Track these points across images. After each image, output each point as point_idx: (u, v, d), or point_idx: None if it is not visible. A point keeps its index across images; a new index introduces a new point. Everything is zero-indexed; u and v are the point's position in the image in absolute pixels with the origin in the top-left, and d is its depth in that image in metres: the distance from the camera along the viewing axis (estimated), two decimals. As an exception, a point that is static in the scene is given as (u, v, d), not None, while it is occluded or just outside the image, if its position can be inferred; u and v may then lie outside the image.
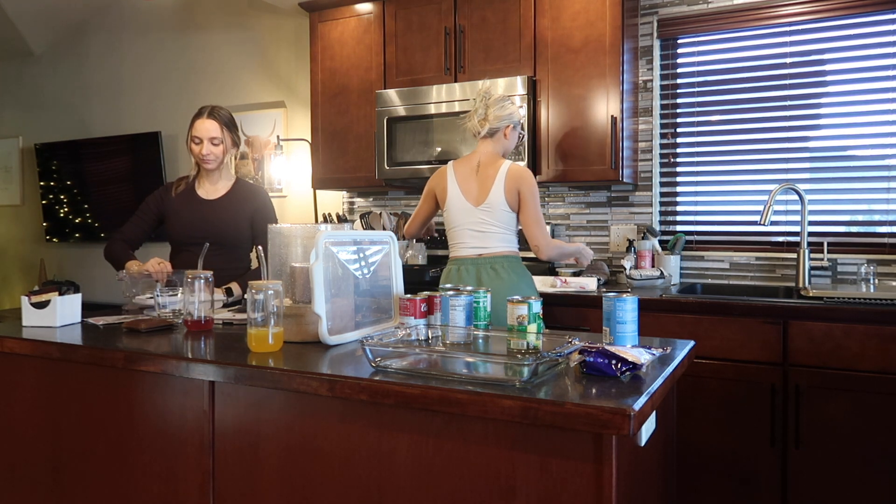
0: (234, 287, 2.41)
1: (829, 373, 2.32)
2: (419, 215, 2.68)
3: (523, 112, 2.96)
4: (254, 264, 2.71)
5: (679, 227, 3.20)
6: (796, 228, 2.91)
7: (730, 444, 2.47)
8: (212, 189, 2.52)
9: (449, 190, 2.50)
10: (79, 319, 1.99)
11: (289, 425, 1.42)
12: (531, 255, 2.55)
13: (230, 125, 2.48)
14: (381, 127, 3.28)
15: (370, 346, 1.39)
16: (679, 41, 3.16)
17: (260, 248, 1.95)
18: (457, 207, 2.48)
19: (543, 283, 2.80)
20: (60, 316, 1.92)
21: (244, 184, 2.57)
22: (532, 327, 1.57)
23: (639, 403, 1.12)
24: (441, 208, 2.59)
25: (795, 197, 2.89)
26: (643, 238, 3.08)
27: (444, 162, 3.13)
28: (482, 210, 2.43)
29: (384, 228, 3.53)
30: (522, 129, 2.71)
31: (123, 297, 2.22)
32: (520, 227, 2.47)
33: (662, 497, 1.58)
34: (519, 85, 2.98)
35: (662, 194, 3.23)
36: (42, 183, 4.96)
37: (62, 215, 4.90)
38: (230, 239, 2.47)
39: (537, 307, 1.59)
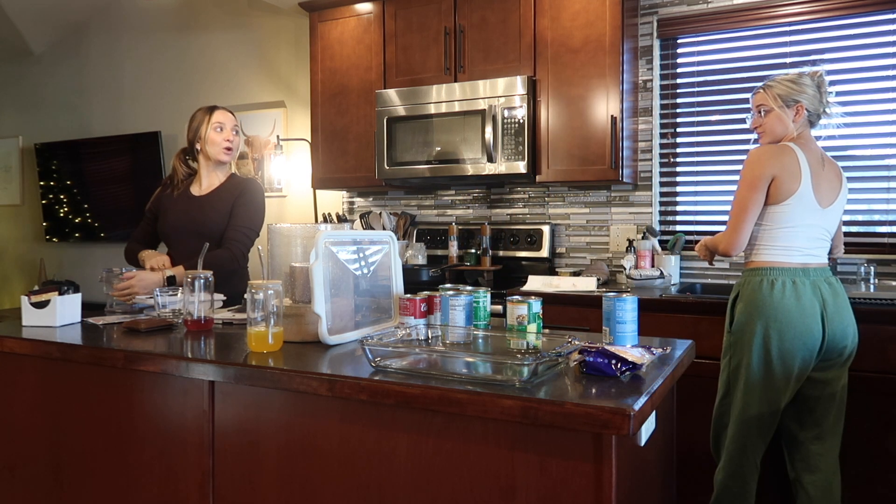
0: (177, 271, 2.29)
1: (828, 373, 2.31)
2: (751, 211, 2.02)
3: (524, 112, 2.97)
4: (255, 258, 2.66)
5: (679, 227, 3.19)
6: (796, 228, 2.90)
7: (730, 443, 2.46)
8: (206, 185, 2.51)
9: (802, 181, 2.00)
10: (79, 319, 1.99)
11: (288, 425, 1.42)
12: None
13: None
14: (380, 127, 3.28)
15: (370, 345, 1.39)
16: (679, 41, 3.16)
17: (260, 247, 1.94)
18: (805, 205, 2.01)
19: (544, 284, 2.81)
20: (60, 316, 1.92)
21: (235, 178, 2.53)
22: (532, 327, 1.57)
23: (639, 403, 1.12)
24: (774, 200, 2.02)
25: (795, 197, 2.88)
26: (643, 238, 3.07)
27: (444, 162, 3.13)
28: (828, 213, 2.05)
29: (384, 228, 3.53)
30: None
31: (105, 296, 2.21)
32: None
33: (662, 497, 1.58)
34: (519, 85, 2.98)
35: (662, 194, 3.22)
36: (42, 183, 4.96)
37: (62, 215, 4.90)
38: (215, 234, 2.42)
39: (537, 307, 1.59)
